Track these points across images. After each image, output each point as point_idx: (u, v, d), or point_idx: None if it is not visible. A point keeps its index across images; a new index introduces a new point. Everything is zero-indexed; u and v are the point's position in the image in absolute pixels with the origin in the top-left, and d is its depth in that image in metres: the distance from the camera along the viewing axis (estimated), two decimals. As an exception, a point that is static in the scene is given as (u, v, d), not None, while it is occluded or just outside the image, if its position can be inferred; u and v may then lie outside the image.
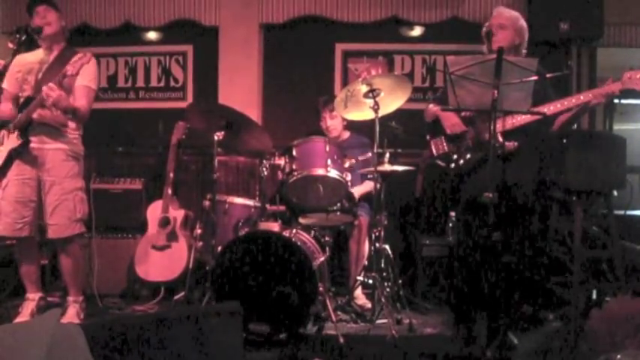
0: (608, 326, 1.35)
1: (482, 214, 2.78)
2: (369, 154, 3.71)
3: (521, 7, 4.53)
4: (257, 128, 3.87)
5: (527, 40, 3.16)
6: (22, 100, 3.35)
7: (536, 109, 2.81)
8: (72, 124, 3.45)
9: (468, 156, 3.13)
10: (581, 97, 2.91)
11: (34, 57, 3.43)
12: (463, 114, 3.16)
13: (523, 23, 3.16)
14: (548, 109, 2.90)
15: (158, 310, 3.87)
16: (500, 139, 2.84)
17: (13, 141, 3.32)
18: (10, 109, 3.36)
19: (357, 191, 4.05)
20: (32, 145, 3.34)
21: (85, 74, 3.36)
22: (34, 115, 3.28)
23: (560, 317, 3.59)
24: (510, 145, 2.97)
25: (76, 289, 3.54)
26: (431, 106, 3.37)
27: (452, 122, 3.19)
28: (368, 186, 4.05)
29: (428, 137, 3.32)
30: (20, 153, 3.33)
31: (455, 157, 3.17)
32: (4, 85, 3.40)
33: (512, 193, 2.96)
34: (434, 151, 3.26)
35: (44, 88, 3.14)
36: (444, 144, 3.24)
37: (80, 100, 3.38)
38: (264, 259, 3.24)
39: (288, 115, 5.11)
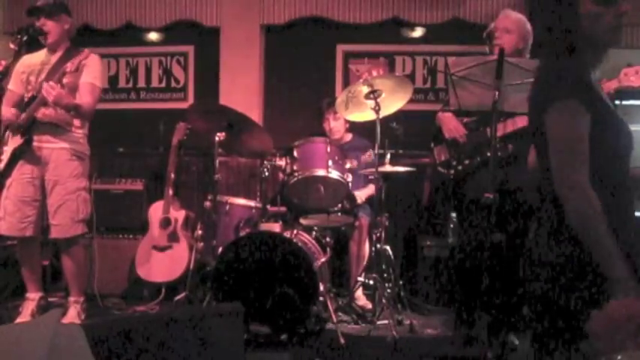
0: (609, 327, 1.35)
1: (482, 216, 2.78)
2: (369, 154, 3.71)
3: (523, 7, 4.53)
4: (258, 129, 3.87)
5: (530, 44, 3.14)
6: (27, 99, 3.35)
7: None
8: (77, 123, 3.44)
9: (467, 162, 3.13)
10: None
11: (38, 58, 3.44)
12: (466, 120, 3.16)
13: (528, 27, 3.12)
14: None
15: (159, 311, 3.87)
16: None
17: (16, 141, 3.32)
18: (12, 113, 3.36)
19: (362, 195, 4.05)
20: (36, 144, 3.35)
21: (89, 71, 3.36)
22: (38, 115, 3.28)
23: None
24: (506, 148, 2.96)
25: (78, 289, 3.54)
26: (440, 113, 3.36)
27: (450, 126, 3.19)
28: (371, 189, 4.04)
29: (432, 145, 3.33)
30: (23, 152, 3.33)
31: (454, 163, 3.18)
32: (10, 86, 3.40)
33: (517, 196, 2.95)
34: (436, 158, 3.28)
35: (44, 85, 3.14)
36: (445, 151, 3.25)
37: (85, 97, 3.38)
38: (265, 260, 3.24)
39: (289, 115, 5.11)
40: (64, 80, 3.21)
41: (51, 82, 3.14)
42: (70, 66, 3.15)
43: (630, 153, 1.59)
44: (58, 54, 3.42)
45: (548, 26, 1.60)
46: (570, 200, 1.46)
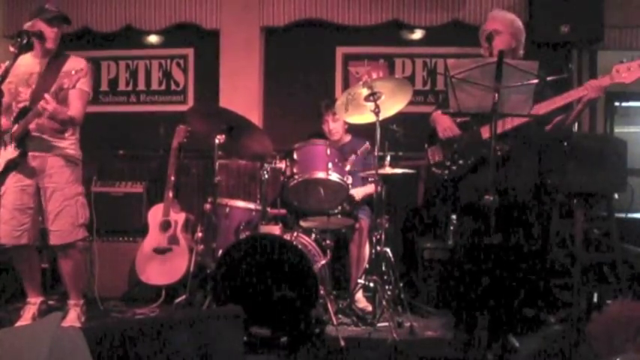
0: (609, 329, 1.35)
1: (481, 217, 2.78)
2: (366, 146, 3.76)
3: (522, 9, 4.54)
4: (258, 131, 3.87)
5: (524, 42, 3.12)
6: (17, 110, 3.34)
7: (534, 112, 2.80)
8: (68, 129, 3.45)
9: (461, 162, 3.12)
10: (571, 95, 2.87)
11: (25, 66, 3.40)
12: (459, 120, 3.15)
13: (519, 25, 3.09)
14: (540, 107, 2.86)
15: (159, 314, 3.87)
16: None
17: (9, 152, 3.31)
18: (4, 122, 3.32)
19: (359, 193, 4.04)
20: (30, 153, 3.34)
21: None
22: (31, 126, 3.28)
23: (561, 320, 3.59)
24: (502, 148, 2.94)
25: (77, 292, 3.54)
26: (435, 113, 3.35)
27: (444, 126, 3.17)
28: (369, 187, 4.04)
29: (426, 145, 3.32)
30: (17, 164, 3.33)
31: (448, 163, 3.17)
32: None
33: (511, 196, 2.94)
34: (430, 159, 3.27)
35: (41, 102, 3.13)
36: (439, 151, 3.24)
37: (74, 104, 3.38)
38: (265, 263, 3.24)
39: (289, 118, 5.11)
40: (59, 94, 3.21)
41: (47, 97, 3.11)
42: (67, 82, 3.12)
43: None
44: (47, 58, 3.41)
45: None
46: None
